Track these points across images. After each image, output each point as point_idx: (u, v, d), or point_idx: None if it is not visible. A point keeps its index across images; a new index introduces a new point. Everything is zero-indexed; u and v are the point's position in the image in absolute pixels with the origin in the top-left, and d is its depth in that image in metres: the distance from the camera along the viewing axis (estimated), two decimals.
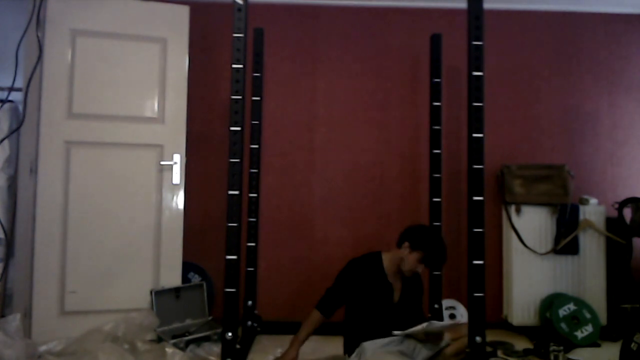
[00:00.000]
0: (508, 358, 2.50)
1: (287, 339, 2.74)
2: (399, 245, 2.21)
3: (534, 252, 2.91)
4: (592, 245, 2.93)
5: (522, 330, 2.89)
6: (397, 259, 2.20)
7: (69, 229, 2.59)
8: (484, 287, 1.90)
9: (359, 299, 2.17)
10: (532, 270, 2.91)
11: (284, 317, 3.00)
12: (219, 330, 2.52)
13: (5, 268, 2.60)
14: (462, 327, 2.24)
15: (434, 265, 2.21)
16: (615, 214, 2.98)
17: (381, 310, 2.16)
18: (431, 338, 2.10)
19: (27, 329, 2.47)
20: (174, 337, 2.46)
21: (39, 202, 2.56)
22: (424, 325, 2.03)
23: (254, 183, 2.85)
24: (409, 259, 2.16)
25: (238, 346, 2.17)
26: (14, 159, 2.67)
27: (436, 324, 2.09)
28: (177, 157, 2.74)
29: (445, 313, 2.89)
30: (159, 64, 2.76)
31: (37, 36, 2.56)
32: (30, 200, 2.57)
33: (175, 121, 2.77)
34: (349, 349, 2.16)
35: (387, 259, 2.23)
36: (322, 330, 2.85)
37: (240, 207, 2.05)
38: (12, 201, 2.63)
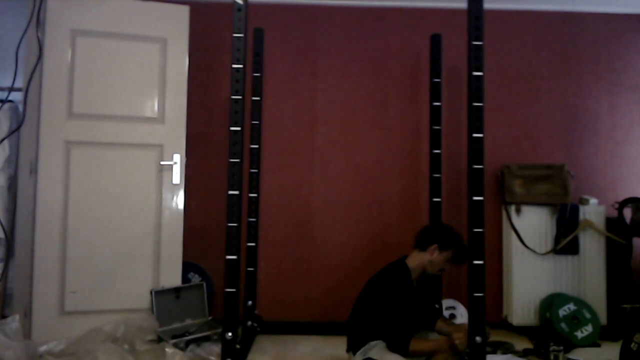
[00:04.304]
0: None
1: (287, 339, 2.76)
2: (424, 248, 2.19)
3: (534, 252, 2.91)
4: (592, 245, 2.92)
5: (522, 330, 2.89)
6: (422, 263, 2.20)
7: (69, 228, 2.59)
8: (484, 287, 1.90)
9: (390, 309, 2.12)
10: (532, 270, 2.91)
11: (284, 317, 3.00)
12: (219, 330, 2.51)
13: (5, 268, 2.60)
14: (460, 326, 2.24)
15: (462, 261, 2.19)
16: (615, 214, 2.98)
17: (407, 313, 2.15)
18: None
19: (27, 329, 2.47)
20: (174, 337, 2.46)
21: (39, 202, 2.56)
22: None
23: (254, 183, 2.85)
24: (439, 259, 2.17)
25: (238, 346, 2.17)
26: (14, 159, 2.67)
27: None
28: (177, 157, 2.74)
29: (446, 313, 2.89)
30: (159, 64, 2.76)
31: (37, 36, 2.56)
32: (30, 200, 2.57)
33: (175, 121, 2.77)
34: (354, 346, 2.16)
35: (412, 267, 2.20)
36: (323, 330, 2.86)
37: (240, 207, 2.05)
38: (12, 201, 2.64)
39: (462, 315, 2.91)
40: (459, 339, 1.94)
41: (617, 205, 2.97)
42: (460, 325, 2.24)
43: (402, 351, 2.02)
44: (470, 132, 1.93)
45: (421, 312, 2.30)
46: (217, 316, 2.74)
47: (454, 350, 1.97)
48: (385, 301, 2.11)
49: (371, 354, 2.03)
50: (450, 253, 2.18)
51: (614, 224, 2.95)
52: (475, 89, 1.91)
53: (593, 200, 3.00)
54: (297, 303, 3.04)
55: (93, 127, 2.66)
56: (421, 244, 2.22)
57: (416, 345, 2.03)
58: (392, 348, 2.04)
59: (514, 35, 3.21)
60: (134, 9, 2.73)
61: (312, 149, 3.12)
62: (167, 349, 2.28)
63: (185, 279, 2.82)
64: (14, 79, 2.58)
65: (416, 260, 2.22)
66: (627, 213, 2.94)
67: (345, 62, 3.17)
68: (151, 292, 2.61)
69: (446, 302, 2.93)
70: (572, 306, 2.77)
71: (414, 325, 2.18)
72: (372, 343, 2.08)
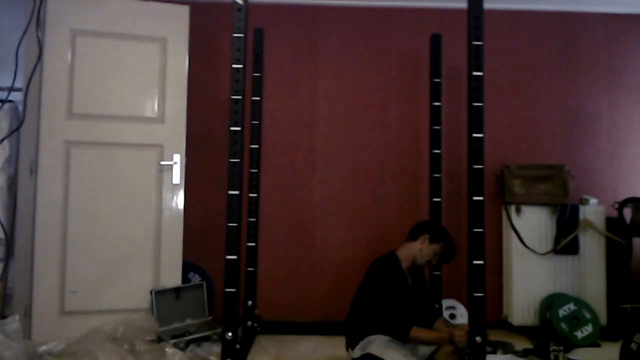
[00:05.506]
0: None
1: (287, 339, 2.76)
2: (414, 238, 2.26)
3: (534, 252, 2.91)
4: (592, 245, 2.93)
5: (522, 330, 2.89)
6: (412, 252, 2.24)
7: (69, 229, 2.59)
8: (484, 287, 1.90)
9: (385, 299, 2.14)
10: (532, 270, 2.91)
11: (284, 317, 3.00)
12: (219, 330, 2.51)
13: (5, 268, 2.60)
14: (461, 325, 2.24)
15: (448, 258, 2.28)
16: (615, 214, 2.98)
17: (402, 302, 2.16)
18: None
19: (27, 329, 2.47)
20: (174, 337, 2.46)
21: (39, 202, 2.56)
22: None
23: (254, 183, 2.85)
24: (427, 250, 2.23)
25: (238, 346, 2.17)
26: (14, 159, 2.67)
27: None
28: (177, 157, 2.74)
29: (446, 313, 2.89)
30: (159, 64, 2.76)
31: (37, 36, 2.56)
32: (30, 200, 2.57)
33: (175, 121, 2.77)
34: (352, 341, 2.15)
35: (402, 257, 2.24)
36: (323, 330, 2.87)
37: (240, 207, 2.05)
38: (12, 201, 2.63)
39: (462, 315, 2.91)
40: (460, 336, 1.95)
41: (617, 205, 2.98)
42: (461, 325, 2.24)
43: (402, 336, 2.03)
44: (470, 132, 1.92)
45: (419, 307, 2.29)
46: (217, 316, 2.74)
47: (454, 345, 1.98)
48: (379, 291, 2.13)
49: (371, 349, 2.03)
50: (439, 247, 2.23)
51: (614, 224, 2.95)
52: (475, 89, 1.91)
53: (593, 200, 3.00)
54: (297, 303, 3.04)
55: (93, 127, 2.66)
56: (413, 234, 2.28)
57: (418, 332, 2.04)
58: (393, 334, 2.05)
59: (514, 35, 3.21)
60: (134, 9, 2.73)
61: (312, 149, 3.12)
62: (167, 349, 2.28)
63: (185, 279, 2.82)
64: (14, 79, 2.58)
65: (406, 250, 2.26)
66: (627, 213, 2.94)
67: (345, 62, 3.17)
68: (151, 292, 2.61)
69: (446, 302, 2.93)
70: (572, 306, 2.77)
71: (414, 315, 2.18)
72: (371, 337, 2.08)
